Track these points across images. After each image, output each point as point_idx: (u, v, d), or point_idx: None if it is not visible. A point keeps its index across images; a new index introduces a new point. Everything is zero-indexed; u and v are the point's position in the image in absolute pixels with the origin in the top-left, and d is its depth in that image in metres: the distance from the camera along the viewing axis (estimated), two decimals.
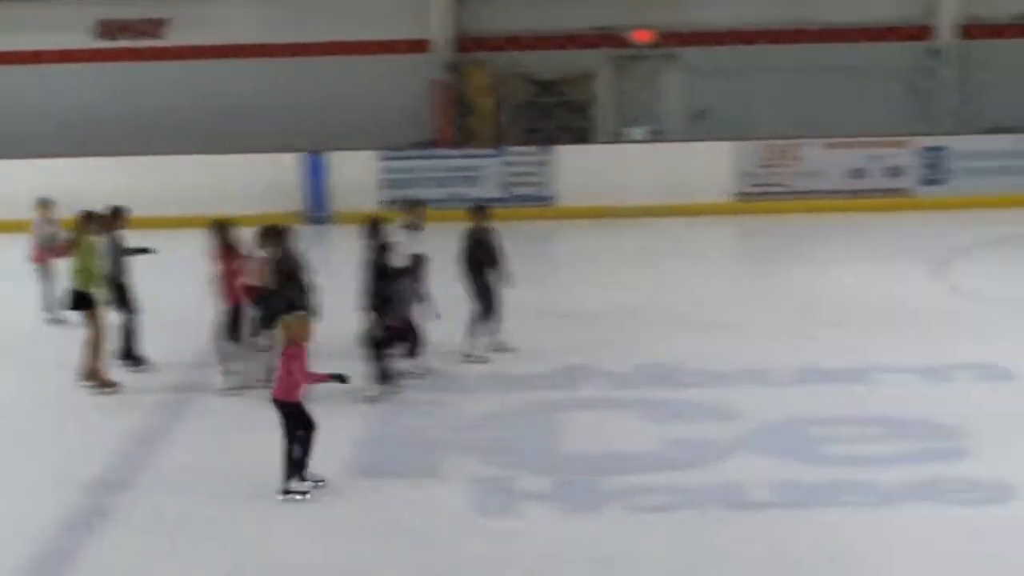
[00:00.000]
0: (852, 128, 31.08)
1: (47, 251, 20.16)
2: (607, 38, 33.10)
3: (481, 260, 17.28)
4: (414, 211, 17.08)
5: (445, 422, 15.26)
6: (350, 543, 11.82)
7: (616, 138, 32.78)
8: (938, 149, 30.05)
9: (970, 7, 32.56)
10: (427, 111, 32.89)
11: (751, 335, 18.22)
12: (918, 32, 32.78)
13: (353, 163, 30.12)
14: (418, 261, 16.49)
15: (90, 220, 16.93)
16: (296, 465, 12.85)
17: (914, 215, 28.78)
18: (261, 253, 16.06)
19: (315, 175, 30.17)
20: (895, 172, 30.01)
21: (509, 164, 30.31)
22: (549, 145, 30.66)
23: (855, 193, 29.86)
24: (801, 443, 14.14)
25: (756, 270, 23.41)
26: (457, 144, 32.32)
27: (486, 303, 17.20)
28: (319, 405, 13.17)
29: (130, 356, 17.61)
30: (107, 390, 16.38)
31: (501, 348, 17.48)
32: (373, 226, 16.24)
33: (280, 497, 12.76)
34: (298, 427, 12.83)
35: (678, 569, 11.02)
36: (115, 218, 17.84)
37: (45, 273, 20.34)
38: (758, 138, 30.34)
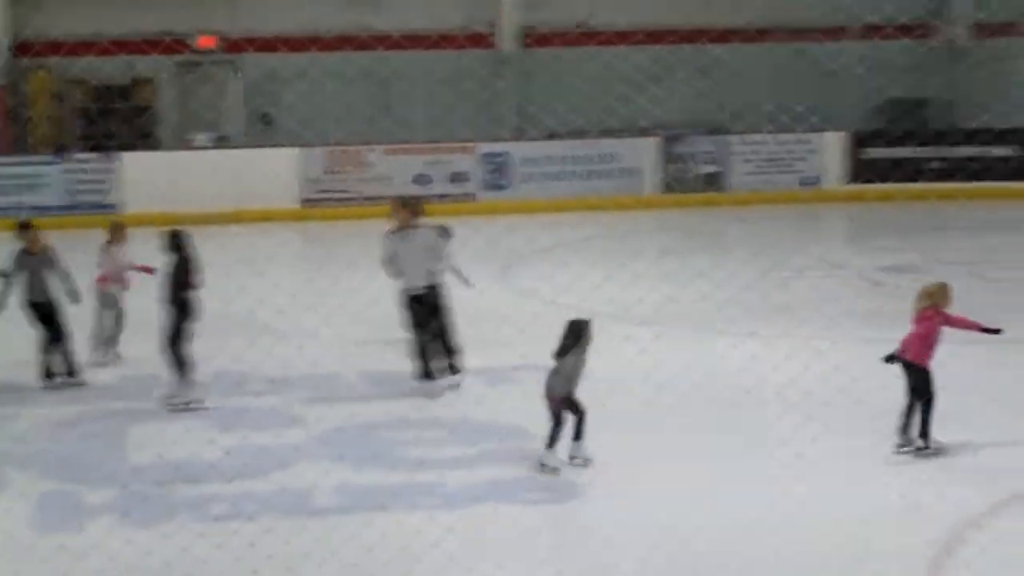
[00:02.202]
0: (418, 134, 31.50)
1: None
2: (170, 44, 32.65)
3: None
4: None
5: (3, 435, 14.77)
6: None
7: (182, 144, 32.37)
8: (500, 155, 30.75)
9: (530, 16, 33.41)
10: None
11: (321, 341, 18.25)
12: (482, 40, 33.46)
13: None
14: None
15: None
16: (922, 429, 13.49)
17: (479, 220, 29.34)
18: None
19: None
20: (459, 177, 30.56)
21: (71, 171, 29.57)
22: (113, 151, 30.04)
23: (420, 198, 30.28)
24: (369, 447, 14.23)
25: (324, 276, 23.43)
26: (15, 151, 31.35)
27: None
28: None
29: None
30: None
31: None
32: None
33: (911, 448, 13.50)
34: (924, 392, 13.47)
35: None
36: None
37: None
38: (324, 144, 30.43)
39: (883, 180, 31.40)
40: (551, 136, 31.93)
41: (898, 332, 18.79)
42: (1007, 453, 13.76)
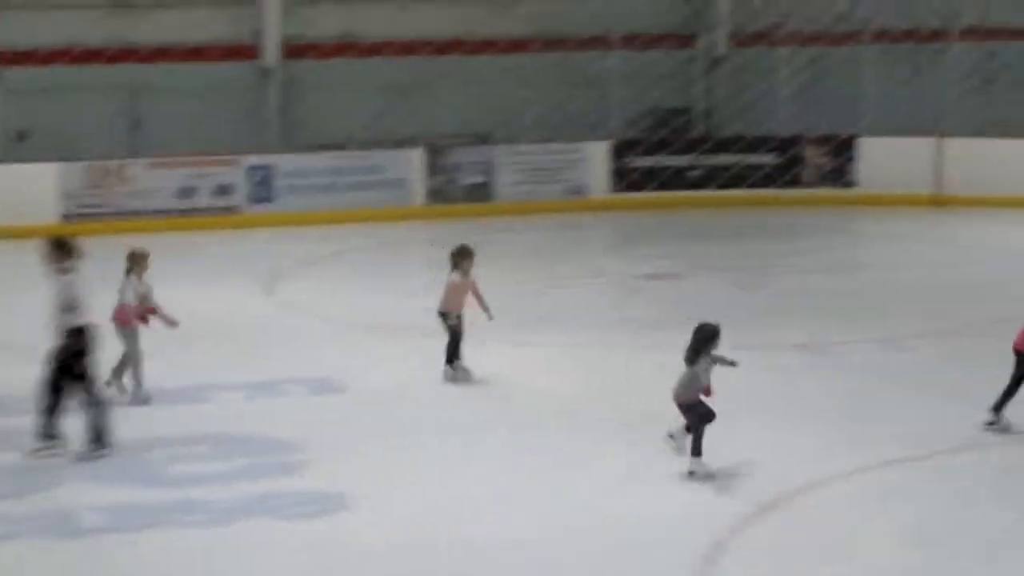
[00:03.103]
0: (182, 147, 31.09)
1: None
2: None
3: None
4: None
5: None
6: None
7: None
8: (265, 167, 30.56)
9: (293, 27, 33.21)
10: None
11: None
12: (245, 51, 33.18)
13: None
14: None
15: None
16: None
17: (245, 233, 29.13)
18: None
19: None
20: (224, 190, 30.30)
21: None
22: None
23: (185, 212, 29.94)
24: (138, 465, 14.06)
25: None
26: None
27: None
28: None
29: None
30: None
31: None
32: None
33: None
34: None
35: None
36: None
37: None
38: (84, 159, 29.92)
39: (645, 189, 31.92)
40: (316, 148, 31.78)
41: (657, 338, 19.21)
42: (773, 459, 14.07)
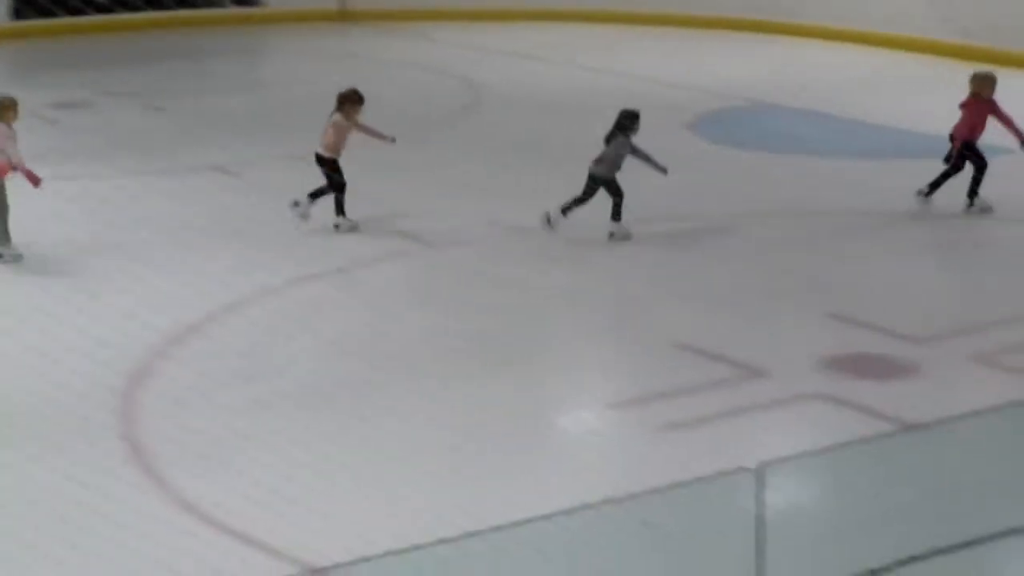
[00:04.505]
0: None
1: None
2: None
3: None
4: None
5: None
6: None
7: None
8: None
9: None
10: None
11: None
12: None
13: None
14: None
15: None
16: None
17: None
18: None
19: None
20: None
21: None
22: None
23: None
24: None
25: None
26: None
27: None
28: None
29: None
30: None
31: None
32: None
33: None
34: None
35: None
36: None
37: None
38: None
39: (45, 15, 30.99)
40: None
41: (81, 168, 18.86)
42: (193, 283, 14.21)
